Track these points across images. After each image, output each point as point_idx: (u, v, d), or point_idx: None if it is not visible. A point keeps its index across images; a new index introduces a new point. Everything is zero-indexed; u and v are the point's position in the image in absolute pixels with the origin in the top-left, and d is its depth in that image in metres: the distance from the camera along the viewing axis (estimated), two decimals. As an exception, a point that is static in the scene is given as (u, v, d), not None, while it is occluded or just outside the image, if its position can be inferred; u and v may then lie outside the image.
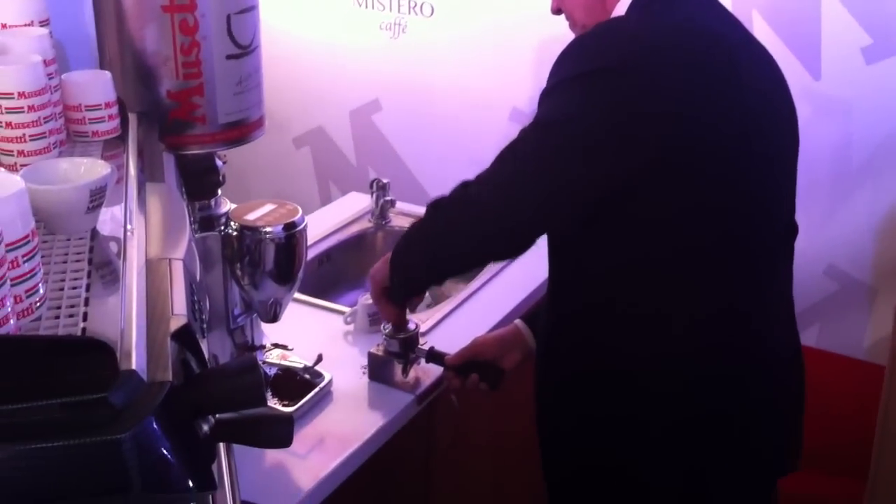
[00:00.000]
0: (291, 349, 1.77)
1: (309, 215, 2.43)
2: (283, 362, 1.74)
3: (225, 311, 1.66)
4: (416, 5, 2.71)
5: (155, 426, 0.79)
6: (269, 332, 1.82)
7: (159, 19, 1.46)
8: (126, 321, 0.89)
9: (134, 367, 0.82)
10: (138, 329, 0.88)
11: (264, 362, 1.75)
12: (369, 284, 1.72)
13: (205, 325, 1.05)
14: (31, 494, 0.76)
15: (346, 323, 1.97)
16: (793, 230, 1.55)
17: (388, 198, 2.36)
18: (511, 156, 1.44)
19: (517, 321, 1.81)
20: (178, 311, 0.95)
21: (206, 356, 1.02)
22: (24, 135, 1.21)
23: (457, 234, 1.53)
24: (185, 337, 0.93)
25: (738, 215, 1.40)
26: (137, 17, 1.47)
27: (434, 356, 1.76)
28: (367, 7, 2.79)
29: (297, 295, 2.04)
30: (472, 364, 1.73)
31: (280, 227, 1.59)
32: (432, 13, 2.71)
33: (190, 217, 1.38)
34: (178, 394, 0.85)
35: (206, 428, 0.93)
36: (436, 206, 1.57)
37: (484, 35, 2.65)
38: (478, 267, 2.11)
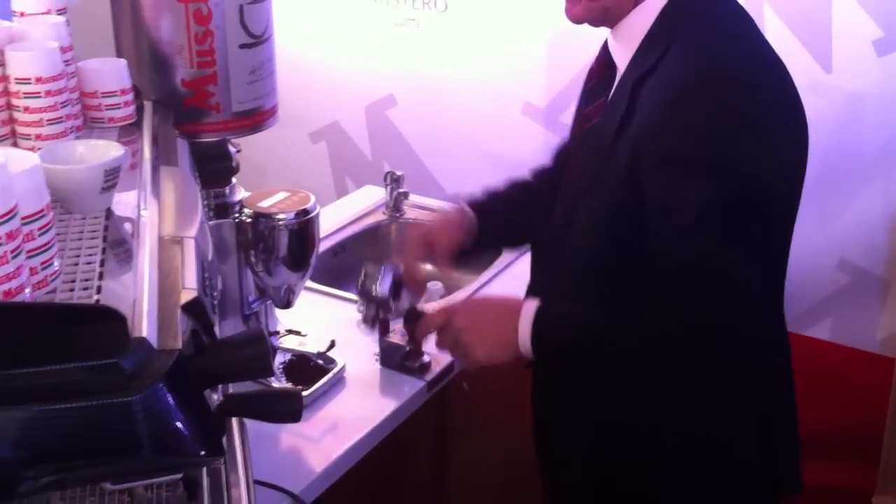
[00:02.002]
0: (305, 335, 1.80)
1: (324, 207, 2.47)
2: (298, 348, 1.77)
3: (240, 297, 1.69)
4: (429, 1, 2.73)
5: (164, 391, 0.82)
6: (284, 319, 1.85)
7: (174, 9, 1.49)
8: (138, 293, 0.92)
9: (145, 334, 0.85)
10: (150, 301, 0.91)
11: (279, 348, 1.77)
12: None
13: (215, 302, 1.08)
14: (47, 452, 0.79)
15: (359, 311, 1.99)
16: None
17: (401, 190, 2.39)
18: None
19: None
20: (189, 285, 0.98)
21: (217, 332, 1.05)
22: (41, 119, 1.25)
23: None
24: (195, 309, 0.96)
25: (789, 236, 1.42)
26: (152, 7, 1.51)
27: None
28: (382, 3, 2.82)
29: (311, 284, 2.08)
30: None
31: (293, 214, 1.62)
32: (446, 8, 2.74)
33: (204, 203, 1.41)
34: (187, 362, 0.88)
35: (215, 399, 0.96)
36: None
37: (497, 30, 2.67)
38: None
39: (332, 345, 1.77)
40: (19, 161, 0.90)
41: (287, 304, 1.71)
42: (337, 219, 2.40)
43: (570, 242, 1.43)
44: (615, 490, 1.51)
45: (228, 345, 0.96)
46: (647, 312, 1.30)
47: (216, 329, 1.08)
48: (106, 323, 0.83)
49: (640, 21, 1.35)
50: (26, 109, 1.24)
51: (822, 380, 2.46)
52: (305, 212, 1.63)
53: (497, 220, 1.71)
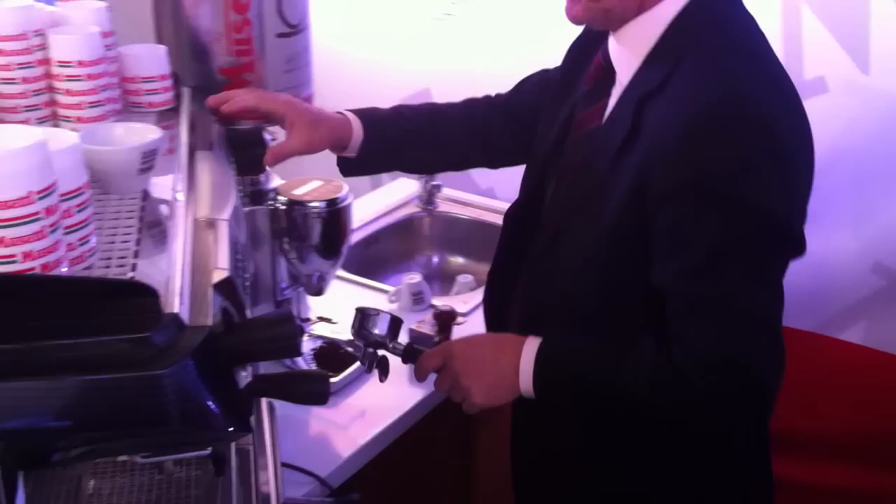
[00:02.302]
0: (336, 323, 1.82)
1: (359, 199, 2.49)
2: (328, 335, 1.79)
3: (272, 283, 1.71)
4: (465, -5, 2.74)
5: (193, 365, 0.84)
6: (315, 307, 1.87)
7: (213, -2, 1.52)
8: (171, 272, 0.94)
9: (177, 311, 0.87)
10: (182, 279, 0.93)
11: (310, 334, 1.80)
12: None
13: (247, 283, 1.10)
14: (79, 422, 0.81)
15: (390, 302, 2.01)
16: None
17: (435, 183, 2.41)
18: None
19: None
20: (221, 265, 1.00)
21: (246, 308, 1.07)
22: (81, 102, 1.28)
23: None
24: (226, 289, 0.98)
25: None
26: (193, -4, 1.53)
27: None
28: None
29: (344, 273, 2.10)
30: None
31: (326, 203, 1.64)
32: (482, 1, 2.74)
33: (239, 189, 1.43)
34: (217, 339, 0.89)
35: (244, 377, 0.98)
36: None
37: (534, 23, 2.67)
38: None
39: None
40: (59, 140, 0.93)
41: (318, 292, 1.73)
42: (370, 210, 2.42)
43: (560, 263, 1.36)
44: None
45: (258, 324, 0.97)
46: (659, 356, 1.24)
47: (248, 312, 1.10)
48: (139, 298, 0.85)
49: (647, 30, 1.28)
50: (68, 92, 1.27)
51: (855, 384, 2.44)
52: (338, 201, 1.65)
53: (387, 139, 1.61)
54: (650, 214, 1.22)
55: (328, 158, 1.69)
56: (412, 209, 2.45)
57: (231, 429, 0.91)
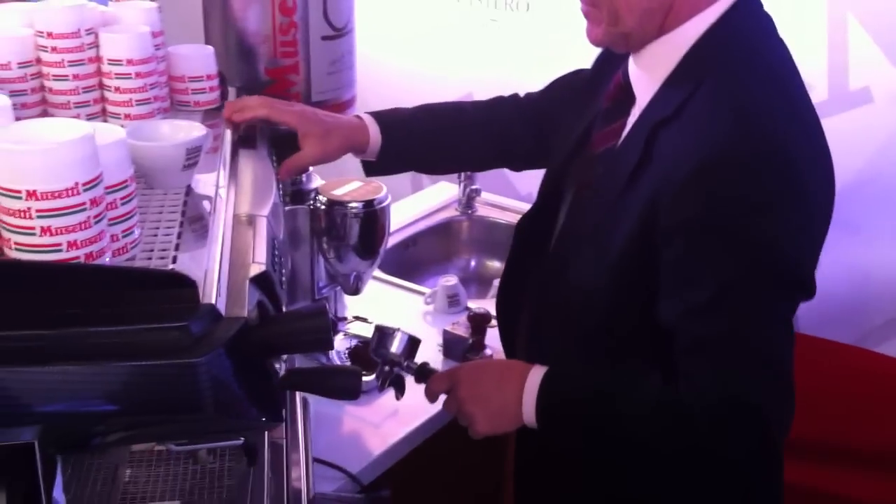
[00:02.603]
0: (371, 322, 1.84)
1: (399, 202, 2.52)
2: (363, 334, 1.81)
3: (311, 282, 1.74)
4: (512, 2, 2.76)
5: (227, 355, 0.87)
6: (353, 306, 1.90)
7: (261, 0, 1.55)
8: (210, 265, 0.97)
9: (213, 302, 0.89)
10: (220, 272, 0.96)
11: (346, 333, 1.82)
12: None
13: (284, 279, 1.12)
14: (117, 407, 0.84)
15: (427, 303, 2.03)
16: None
17: (474, 187, 2.43)
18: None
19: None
20: (259, 259, 1.03)
21: (283, 304, 1.09)
22: (130, 99, 1.31)
23: None
24: (263, 282, 1.01)
25: None
26: (242, -1, 1.57)
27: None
28: (464, 3, 2.85)
29: (381, 275, 2.13)
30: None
31: (364, 203, 1.66)
32: (528, 9, 2.76)
33: (279, 188, 1.46)
34: (251, 331, 0.92)
35: (277, 368, 1.01)
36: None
37: (579, 31, 2.68)
38: None
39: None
40: (106, 134, 0.96)
41: (355, 291, 1.76)
42: (410, 213, 2.44)
43: (565, 292, 1.34)
44: None
45: (291, 317, 1.00)
46: (665, 392, 1.22)
47: (284, 309, 1.12)
48: (178, 289, 0.88)
49: (667, 53, 1.25)
50: (117, 90, 1.31)
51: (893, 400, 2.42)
52: (376, 202, 1.68)
53: (405, 142, 1.61)
54: (657, 247, 1.19)
55: None
56: (451, 213, 2.47)
57: (263, 418, 0.94)
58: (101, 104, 1.33)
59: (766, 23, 1.28)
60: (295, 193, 1.71)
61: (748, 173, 1.14)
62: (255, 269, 1.01)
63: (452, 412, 1.38)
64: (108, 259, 0.91)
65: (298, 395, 1.45)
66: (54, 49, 1.27)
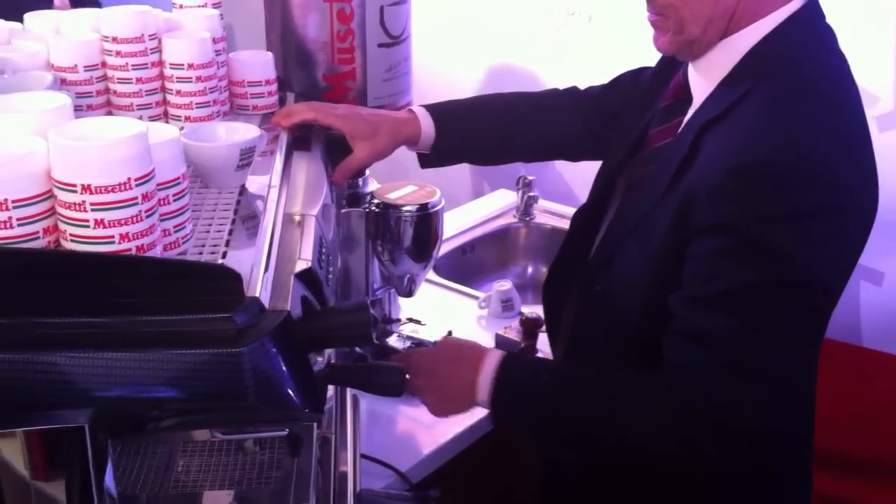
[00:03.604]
0: (424, 324, 1.87)
1: (457, 208, 2.55)
2: (415, 335, 1.84)
3: (365, 283, 1.78)
4: (575, 11, 2.77)
5: (270, 345, 0.90)
6: (407, 308, 1.92)
7: (320, 8, 1.60)
8: (257, 260, 1.01)
9: (258, 294, 0.93)
10: (267, 267, 1.00)
11: (399, 334, 1.85)
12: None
13: (330, 276, 1.15)
14: (166, 394, 0.88)
15: (481, 307, 2.06)
16: None
17: (531, 194, 2.44)
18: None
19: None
20: (305, 256, 1.06)
21: (330, 302, 1.13)
22: (190, 102, 1.36)
23: None
24: (307, 278, 1.04)
25: None
26: (301, 6, 1.61)
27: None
28: (526, 13, 2.87)
29: (437, 278, 2.16)
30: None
31: (418, 207, 1.69)
32: (590, 19, 2.77)
33: (333, 191, 1.49)
34: (294, 324, 0.95)
35: (320, 363, 1.04)
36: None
37: (642, 41, 2.68)
38: None
39: (449, 334, 1.84)
40: (161, 133, 1.00)
41: (409, 293, 1.78)
42: (469, 219, 2.47)
43: (609, 288, 1.35)
44: None
45: (334, 311, 1.03)
46: (644, 377, 1.24)
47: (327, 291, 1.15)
48: (225, 282, 0.91)
49: (724, 57, 1.27)
50: (178, 93, 1.36)
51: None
52: (430, 206, 1.70)
53: (460, 134, 1.64)
54: (687, 246, 1.21)
55: (433, 174, 1.75)
56: (509, 219, 2.49)
57: (304, 409, 0.97)
58: (163, 106, 1.38)
59: (826, 34, 1.29)
60: (351, 196, 1.74)
61: (781, 182, 1.14)
62: (300, 266, 1.04)
63: (412, 392, 1.37)
64: (159, 252, 0.95)
65: (349, 392, 1.48)
66: (119, 53, 1.32)
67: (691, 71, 1.35)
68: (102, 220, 0.90)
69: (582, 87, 1.74)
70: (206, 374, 0.88)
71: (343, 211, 1.71)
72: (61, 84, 1.31)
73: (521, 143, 1.71)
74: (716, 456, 1.18)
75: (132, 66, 1.33)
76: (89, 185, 0.88)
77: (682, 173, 1.25)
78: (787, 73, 1.23)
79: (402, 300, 1.89)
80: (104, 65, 1.34)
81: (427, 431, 1.68)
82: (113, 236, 0.90)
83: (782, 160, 1.15)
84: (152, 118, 1.36)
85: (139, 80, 1.34)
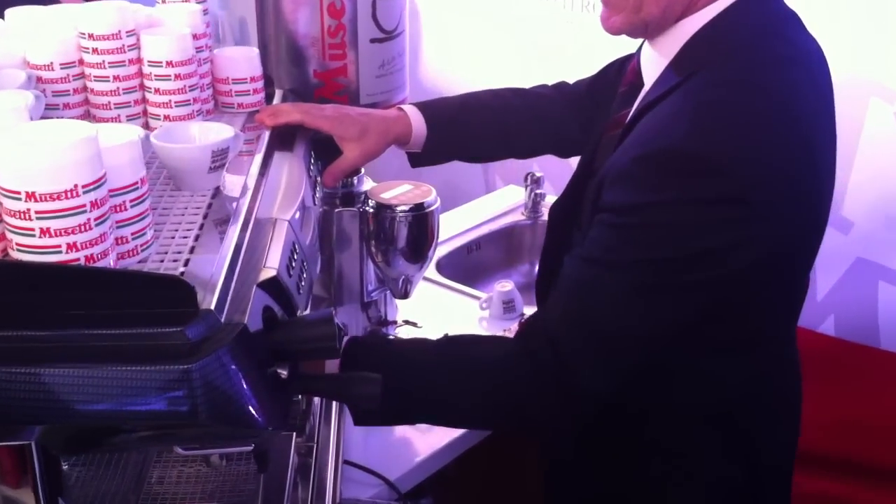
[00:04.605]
0: (420, 327, 1.83)
1: (464, 205, 2.50)
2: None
3: (360, 285, 1.73)
4: (588, 4, 2.72)
5: (224, 360, 0.86)
6: (410, 310, 1.88)
7: (310, 3, 1.55)
8: (219, 267, 0.97)
9: (213, 307, 0.89)
10: (227, 276, 0.95)
11: (396, 337, 1.81)
12: None
13: (303, 283, 1.11)
14: (112, 410, 0.84)
15: (482, 308, 2.01)
16: None
17: (539, 191, 2.39)
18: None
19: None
20: (270, 264, 1.02)
21: (302, 310, 1.08)
22: (170, 101, 1.32)
23: None
24: (273, 287, 1.00)
25: None
26: (291, 1, 1.57)
27: None
28: (539, 6, 2.82)
29: (439, 278, 2.12)
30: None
31: (412, 207, 1.64)
32: (604, 12, 2.71)
33: (315, 190, 1.44)
34: (254, 337, 0.91)
35: (284, 375, 1.00)
36: None
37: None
38: None
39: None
40: (119, 135, 0.96)
41: (404, 295, 1.74)
42: (475, 217, 2.42)
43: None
44: None
45: (298, 323, 0.99)
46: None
47: (302, 311, 1.11)
48: (177, 293, 0.87)
49: (675, 39, 1.23)
50: (157, 91, 1.32)
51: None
52: (425, 205, 1.66)
53: (452, 132, 1.60)
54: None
55: (445, 169, 1.70)
56: (517, 217, 2.44)
57: (266, 426, 0.92)
58: (142, 105, 1.34)
59: (779, 18, 1.24)
60: (345, 196, 1.70)
61: (678, 169, 1.12)
62: (265, 274, 1.00)
63: None
64: (112, 261, 0.91)
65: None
66: (95, 50, 1.28)
67: (644, 54, 1.30)
68: (48, 230, 0.86)
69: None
70: (154, 392, 0.84)
71: (336, 211, 1.67)
72: (38, 82, 1.28)
73: (515, 141, 1.68)
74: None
75: (109, 63, 1.29)
76: (34, 193, 0.84)
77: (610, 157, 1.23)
78: (725, 59, 1.19)
79: (399, 301, 1.84)
80: (81, 62, 1.30)
81: (419, 437, 1.63)
82: (60, 246, 0.87)
83: (685, 148, 1.12)
84: (130, 117, 1.33)
85: (116, 79, 1.30)
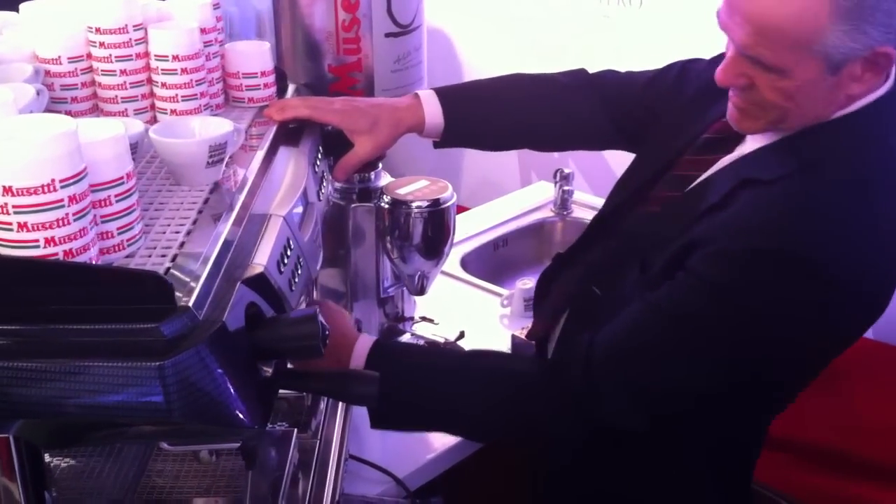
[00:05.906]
0: (437, 323, 1.81)
1: (493, 201, 2.48)
2: (428, 335, 1.79)
3: (375, 281, 1.72)
4: (625, -2, 2.68)
5: (199, 358, 0.85)
6: (428, 307, 1.86)
7: (325, -3, 1.54)
8: (203, 264, 0.96)
9: (191, 304, 0.88)
10: (211, 272, 0.95)
11: (412, 334, 1.80)
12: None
13: (296, 280, 1.10)
14: (88, 405, 0.84)
15: (503, 306, 1.99)
16: None
17: (568, 188, 2.36)
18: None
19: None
20: (259, 261, 1.01)
21: (293, 307, 1.07)
22: (176, 95, 1.32)
23: None
24: (259, 284, 0.99)
25: None
26: (307, -6, 1.56)
27: None
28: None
29: (462, 274, 2.10)
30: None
31: (428, 203, 1.63)
32: (641, 5, 2.67)
33: (322, 185, 1.42)
34: (235, 334, 0.91)
35: (268, 373, 0.99)
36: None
37: (694, 28, 2.58)
38: None
39: (462, 335, 1.78)
40: (105, 130, 0.96)
41: (420, 291, 1.72)
42: (504, 213, 2.40)
43: (600, 309, 1.33)
44: None
45: (281, 322, 0.98)
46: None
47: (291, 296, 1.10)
48: (154, 289, 0.87)
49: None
50: (163, 85, 1.32)
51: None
52: (441, 201, 1.64)
53: (470, 116, 1.57)
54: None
55: (485, 157, 1.64)
56: (546, 213, 2.41)
57: (247, 424, 0.92)
58: (150, 99, 1.34)
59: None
60: (362, 191, 1.69)
61: (776, 277, 1.14)
62: (251, 271, 0.99)
63: None
64: (93, 255, 0.91)
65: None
66: (102, 44, 1.29)
67: None
68: (26, 224, 0.86)
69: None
70: (127, 388, 0.84)
71: (352, 206, 1.66)
72: (46, 76, 1.28)
73: (539, 134, 1.64)
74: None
75: (116, 57, 1.29)
76: (11, 187, 0.84)
77: (704, 217, 1.22)
78: (849, 153, 1.19)
79: (418, 298, 1.83)
80: (90, 56, 1.31)
81: (430, 435, 1.62)
82: (37, 240, 0.86)
83: (808, 255, 1.13)
84: (138, 111, 1.33)
85: (123, 73, 1.30)
